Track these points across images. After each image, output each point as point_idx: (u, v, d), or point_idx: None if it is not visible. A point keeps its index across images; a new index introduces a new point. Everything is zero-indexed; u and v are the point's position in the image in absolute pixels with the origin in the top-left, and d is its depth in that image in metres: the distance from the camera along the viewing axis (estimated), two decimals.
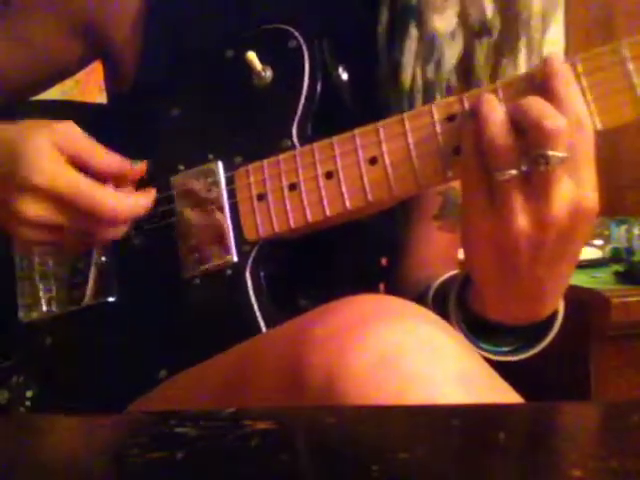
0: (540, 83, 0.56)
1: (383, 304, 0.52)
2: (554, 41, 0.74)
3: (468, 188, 0.58)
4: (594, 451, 0.36)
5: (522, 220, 0.55)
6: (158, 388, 0.69)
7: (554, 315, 0.64)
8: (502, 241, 0.56)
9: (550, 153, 0.53)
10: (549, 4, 0.71)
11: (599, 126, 0.56)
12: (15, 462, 0.37)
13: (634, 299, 1.03)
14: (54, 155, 0.63)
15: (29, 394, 0.75)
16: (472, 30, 0.70)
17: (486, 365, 0.54)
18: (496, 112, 0.56)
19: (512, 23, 0.70)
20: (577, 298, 1.05)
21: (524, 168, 0.54)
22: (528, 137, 0.54)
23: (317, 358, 0.48)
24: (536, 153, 0.53)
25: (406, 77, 0.72)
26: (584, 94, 0.56)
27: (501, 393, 0.51)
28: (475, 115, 0.57)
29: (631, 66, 0.56)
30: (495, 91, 0.59)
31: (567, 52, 1.48)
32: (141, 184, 0.71)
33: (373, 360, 0.47)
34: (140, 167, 0.70)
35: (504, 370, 0.60)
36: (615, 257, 1.30)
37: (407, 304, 0.54)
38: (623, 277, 1.12)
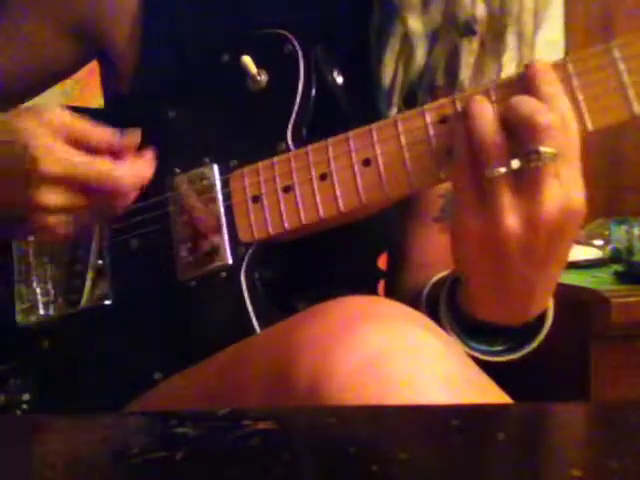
0: (528, 84, 0.57)
1: (369, 306, 0.52)
2: (554, 41, 0.73)
3: (459, 187, 0.58)
4: (594, 451, 0.36)
5: (512, 219, 0.54)
6: (153, 390, 0.69)
7: (544, 315, 0.63)
8: (492, 241, 0.56)
9: (542, 149, 0.53)
10: (541, 0, 0.71)
11: (589, 127, 0.57)
12: (15, 462, 0.37)
13: (634, 299, 1.03)
14: (52, 141, 0.63)
15: (26, 397, 0.74)
16: (457, 30, 0.70)
17: (474, 367, 0.54)
18: (486, 111, 0.56)
19: (498, 19, 0.71)
20: (577, 298, 1.05)
21: (515, 166, 0.54)
22: (520, 133, 0.54)
23: (302, 362, 0.48)
24: (528, 149, 0.53)
25: (387, 74, 0.72)
26: (574, 94, 0.57)
27: (488, 395, 0.51)
28: (466, 114, 0.57)
29: (622, 66, 0.56)
30: (487, 92, 0.59)
31: (567, 52, 1.48)
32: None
33: (357, 364, 0.47)
34: (133, 137, 0.69)
35: (504, 371, 0.60)
36: (615, 257, 1.30)
37: (394, 305, 0.54)
38: (623, 277, 1.11)
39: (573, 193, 0.54)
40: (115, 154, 0.66)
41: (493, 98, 0.59)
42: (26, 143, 0.63)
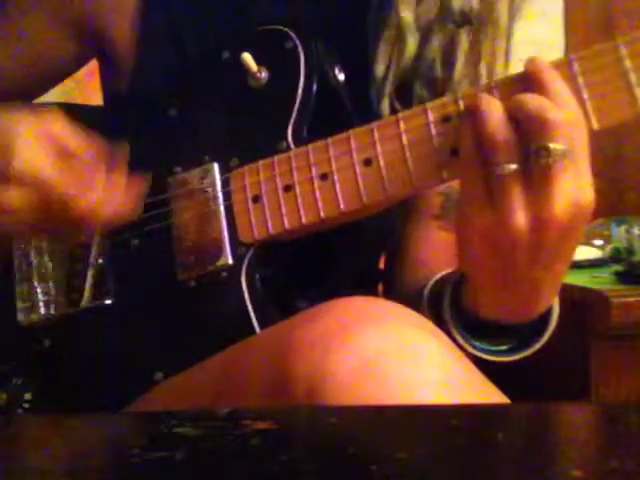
0: (532, 81, 0.56)
1: (367, 307, 0.52)
2: (554, 41, 0.73)
3: (467, 186, 0.57)
4: (594, 451, 0.36)
5: (521, 217, 0.53)
6: (153, 390, 0.68)
7: (549, 314, 0.63)
8: (500, 239, 0.55)
9: (552, 145, 0.52)
10: None
11: (595, 125, 0.56)
12: (15, 462, 0.37)
13: (634, 299, 1.03)
14: (40, 144, 0.61)
15: (27, 396, 0.74)
16: (453, 20, 0.71)
17: (472, 368, 0.54)
18: (495, 107, 0.55)
19: (490, 9, 0.71)
20: (577, 298, 1.05)
21: (525, 163, 0.53)
22: (529, 130, 0.53)
23: (300, 364, 0.48)
24: (538, 146, 0.53)
25: (380, 66, 0.72)
26: (580, 93, 0.56)
27: (486, 397, 0.51)
28: (473, 112, 0.57)
29: (628, 64, 0.56)
30: (490, 90, 0.59)
31: (567, 52, 1.48)
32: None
33: (355, 366, 0.47)
34: (124, 152, 0.67)
35: (503, 371, 0.60)
36: (615, 257, 1.30)
37: (392, 306, 0.54)
38: (623, 277, 1.12)
39: (583, 189, 0.54)
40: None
41: (497, 96, 0.58)
42: (12, 141, 0.61)
